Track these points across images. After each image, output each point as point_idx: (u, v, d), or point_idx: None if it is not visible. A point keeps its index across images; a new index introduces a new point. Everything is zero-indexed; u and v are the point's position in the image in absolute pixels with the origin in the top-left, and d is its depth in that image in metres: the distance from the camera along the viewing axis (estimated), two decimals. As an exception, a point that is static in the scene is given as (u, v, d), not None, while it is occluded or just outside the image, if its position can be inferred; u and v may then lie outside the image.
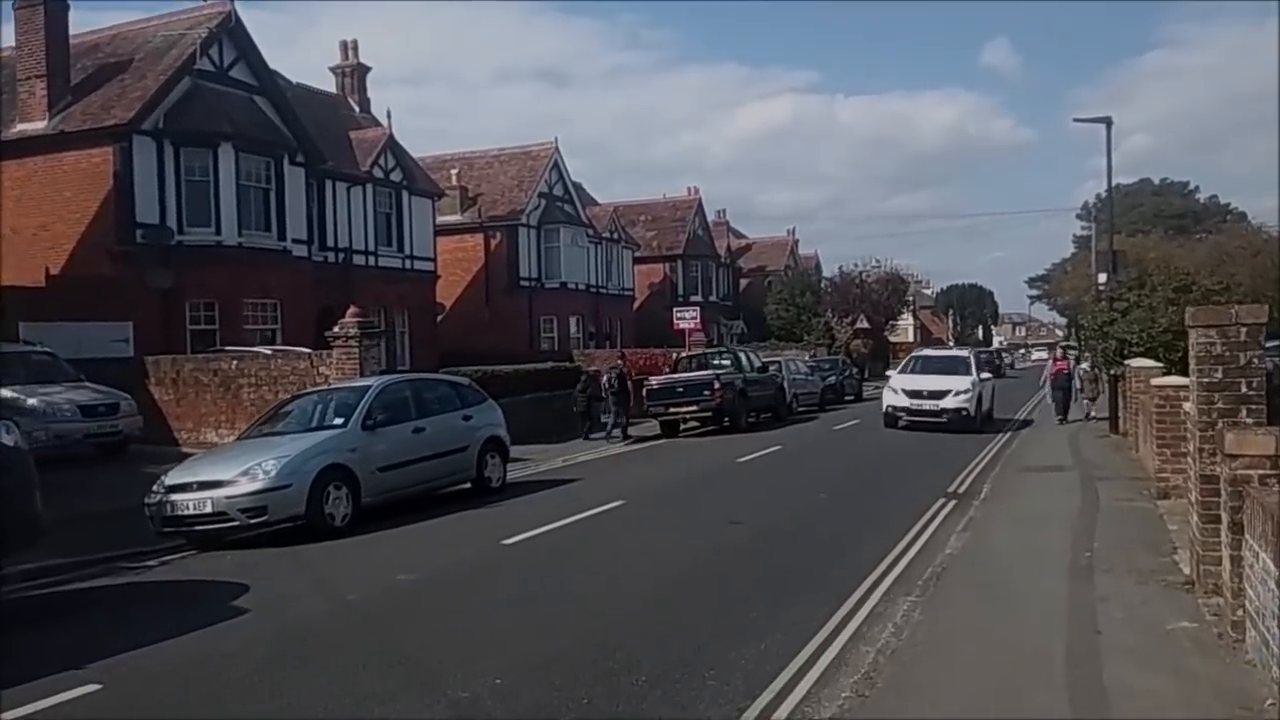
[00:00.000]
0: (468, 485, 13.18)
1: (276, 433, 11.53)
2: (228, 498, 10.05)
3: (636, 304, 50.22)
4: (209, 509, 10.06)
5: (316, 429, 11.45)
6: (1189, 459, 7.54)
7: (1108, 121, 20.10)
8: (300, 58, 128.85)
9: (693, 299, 53.24)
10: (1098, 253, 24.43)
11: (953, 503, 12.17)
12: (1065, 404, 23.17)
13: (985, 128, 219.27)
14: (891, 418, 21.91)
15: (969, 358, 23.21)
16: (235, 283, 24.17)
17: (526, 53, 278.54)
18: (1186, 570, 7.70)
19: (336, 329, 17.14)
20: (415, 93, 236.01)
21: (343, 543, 10.17)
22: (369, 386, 12.21)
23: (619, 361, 25.54)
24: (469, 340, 36.07)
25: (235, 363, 18.59)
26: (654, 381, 23.43)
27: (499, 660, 5.96)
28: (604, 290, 45.95)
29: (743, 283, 64.88)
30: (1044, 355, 30.45)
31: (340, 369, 17.01)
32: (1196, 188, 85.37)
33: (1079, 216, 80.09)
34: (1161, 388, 11.14)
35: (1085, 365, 23.72)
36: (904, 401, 21.76)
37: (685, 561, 8.89)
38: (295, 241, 26.50)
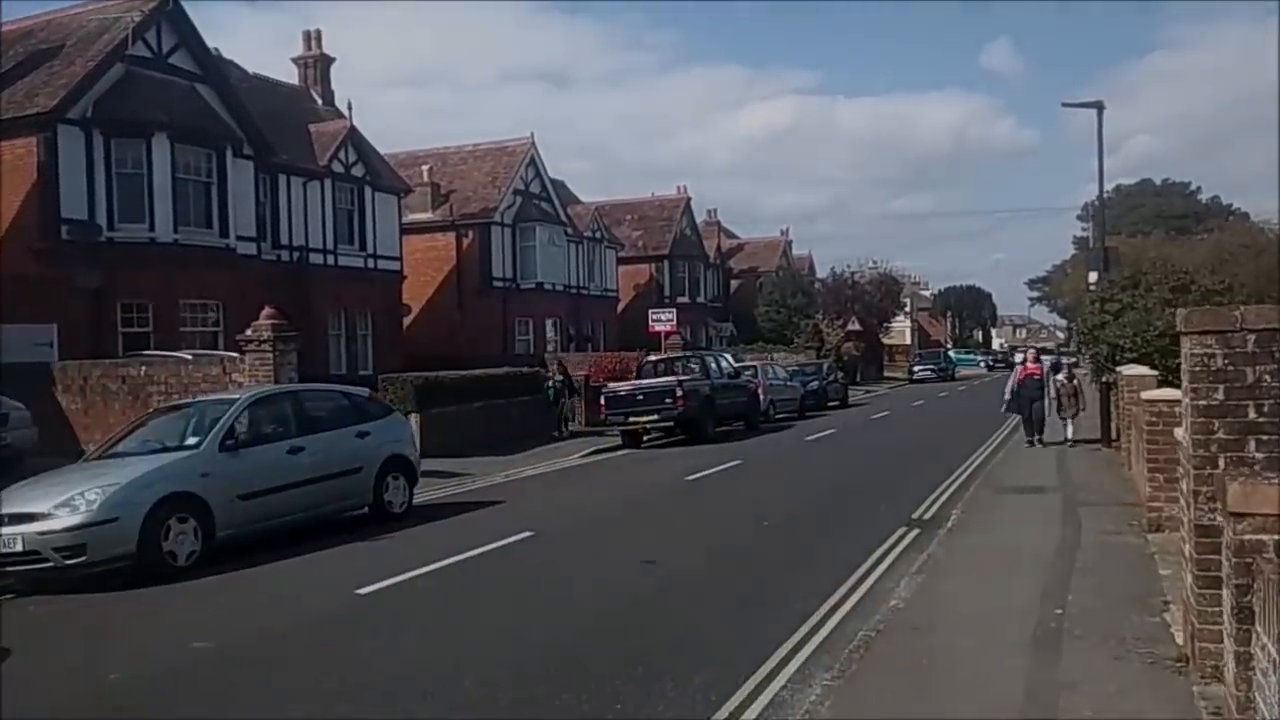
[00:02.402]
0: (365, 511, 11.60)
1: (122, 454, 9.97)
2: (40, 534, 8.49)
3: (621, 306, 48.61)
4: (19, 547, 8.50)
5: (165, 450, 9.88)
6: (1182, 499, 5.97)
7: (1099, 106, 18.50)
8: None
9: (680, 300, 51.70)
10: (1089, 250, 22.64)
11: (914, 533, 10.58)
12: (1035, 419, 17.81)
13: (987, 130, 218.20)
14: None
15: None
16: (170, 283, 22.64)
17: (528, 53, 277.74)
18: (1179, 639, 6.13)
19: (249, 331, 15.61)
20: (417, 93, 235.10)
21: (177, 588, 8.60)
22: (235, 400, 10.63)
23: (558, 364, 25.60)
24: (440, 343, 34.52)
25: (144, 369, 17.07)
26: (613, 388, 21.85)
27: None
28: (585, 291, 44.40)
29: (734, 284, 63.34)
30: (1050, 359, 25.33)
31: (254, 376, 15.48)
32: (1198, 188, 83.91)
33: (1079, 217, 78.70)
34: (1153, 402, 9.54)
35: (1062, 375, 18.41)
36: None
37: (562, 626, 7.14)
38: (241, 239, 24.96)
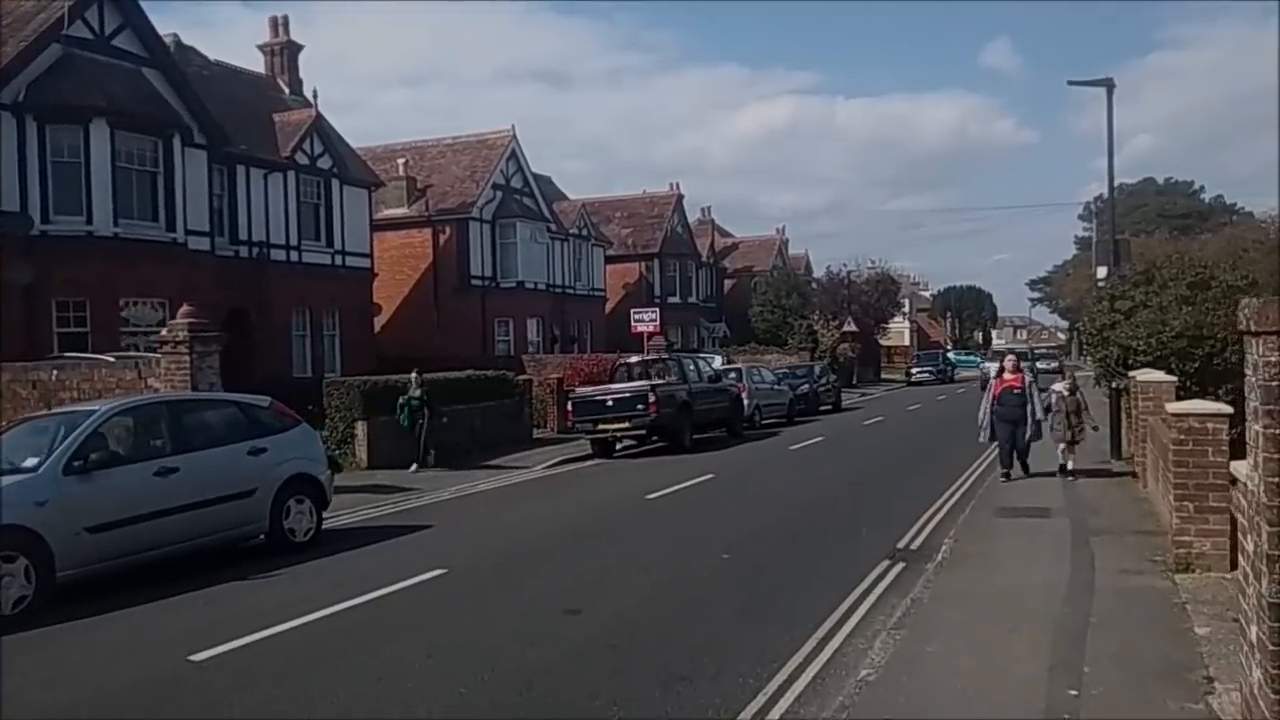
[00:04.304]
0: (262, 539, 10.02)
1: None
2: None
3: (609, 306, 47.05)
4: None
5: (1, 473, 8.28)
6: (1244, 562, 4.40)
7: (1109, 84, 16.94)
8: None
9: (670, 300, 50.27)
10: (1098, 242, 20.98)
11: (898, 568, 9.02)
12: (1017, 445, 13.81)
13: (987, 129, 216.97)
14: None
15: None
16: (110, 279, 21.11)
17: (525, 53, 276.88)
18: (1237, 743, 4.58)
19: (164, 332, 14.11)
20: (415, 93, 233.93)
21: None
22: (93, 412, 9.05)
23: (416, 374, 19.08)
24: (415, 344, 33.01)
25: (56, 373, 15.52)
26: (580, 393, 20.28)
27: None
28: (571, 291, 42.91)
29: (728, 284, 61.82)
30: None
31: (170, 380, 13.96)
32: (1202, 187, 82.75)
33: (1081, 217, 77.36)
34: (1181, 416, 7.98)
35: (1061, 386, 14.19)
36: None
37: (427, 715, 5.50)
38: (193, 233, 23.40)
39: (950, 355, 66.15)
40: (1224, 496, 7.86)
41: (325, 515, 11.29)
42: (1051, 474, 13.85)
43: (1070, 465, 13.88)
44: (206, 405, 10.56)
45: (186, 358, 13.78)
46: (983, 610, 7.24)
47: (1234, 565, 7.85)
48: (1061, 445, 13.95)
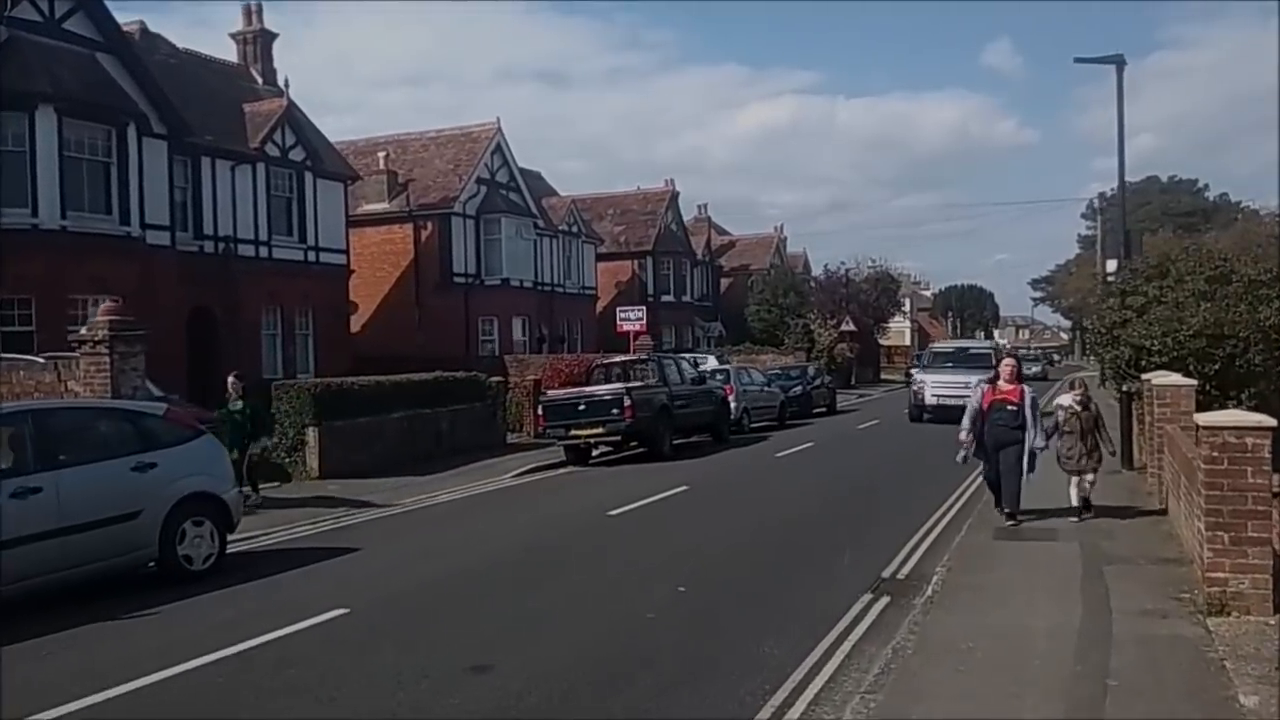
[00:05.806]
0: (153, 567, 8.76)
1: None
2: None
3: (601, 305, 45.84)
4: None
5: None
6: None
7: (1119, 61, 15.67)
8: (296, 58, 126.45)
9: (664, 299, 49.14)
10: (1107, 233, 19.68)
11: (882, 603, 7.78)
12: (1007, 479, 10.29)
13: (988, 129, 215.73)
14: None
15: None
16: (57, 275, 19.86)
17: (526, 52, 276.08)
18: None
19: (83, 330, 12.87)
20: (415, 93, 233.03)
21: None
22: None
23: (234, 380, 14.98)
24: (396, 343, 31.88)
25: (-28, 376, 14.27)
26: (551, 396, 19.02)
27: None
28: (560, 289, 41.74)
29: (724, 282, 60.59)
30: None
31: (89, 384, 12.73)
32: (1206, 185, 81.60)
33: (1084, 215, 76.14)
34: (1214, 430, 6.71)
35: (1070, 399, 10.76)
36: None
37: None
38: (151, 227, 22.20)
39: (951, 355, 64.67)
40: (1265, 525, 6.65)
41: (242, 536, 10.08)
42: (1062, 511, 10.71)
43: (1077, 498, 10.66)
44: (84, 414, 9.24)
45: (106, 359, 12.53)
46: (977, 667, 5.99)
47: (1279, 607, 6.64)
48: (1075, 478, 10.62)
